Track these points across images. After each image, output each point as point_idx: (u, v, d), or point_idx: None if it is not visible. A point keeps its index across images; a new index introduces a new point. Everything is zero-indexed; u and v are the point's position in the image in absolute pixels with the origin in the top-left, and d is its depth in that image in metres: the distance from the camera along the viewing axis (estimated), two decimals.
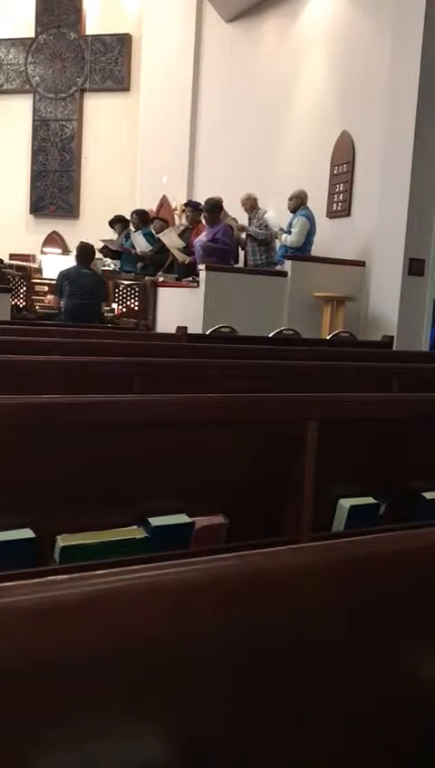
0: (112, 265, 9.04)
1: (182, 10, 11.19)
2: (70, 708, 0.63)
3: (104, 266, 8.85)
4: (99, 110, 12.90)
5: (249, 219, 7.99)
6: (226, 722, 0.73)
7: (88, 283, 6.89)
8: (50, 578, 0.62)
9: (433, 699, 0.87)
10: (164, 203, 11.20)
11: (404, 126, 6.50)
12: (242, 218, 8.19)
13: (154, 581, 0.65)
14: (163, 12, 11.61)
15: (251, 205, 7.89)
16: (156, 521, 1.60)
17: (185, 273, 7.83)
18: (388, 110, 6.78)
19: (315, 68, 8.60)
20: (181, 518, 1.65)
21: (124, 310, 7.87)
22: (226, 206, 7.98)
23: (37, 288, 8.25)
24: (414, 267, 6.60)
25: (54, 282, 7.26)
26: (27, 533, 1.49)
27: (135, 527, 1.60)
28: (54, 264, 8.64)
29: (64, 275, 6.92)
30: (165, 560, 0.71)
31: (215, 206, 7.52)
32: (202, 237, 7.60)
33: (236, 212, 8.14)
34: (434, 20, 6.33)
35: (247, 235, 7.93)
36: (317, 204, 7.70)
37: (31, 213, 13.28)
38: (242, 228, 8.00)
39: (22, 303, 7.90)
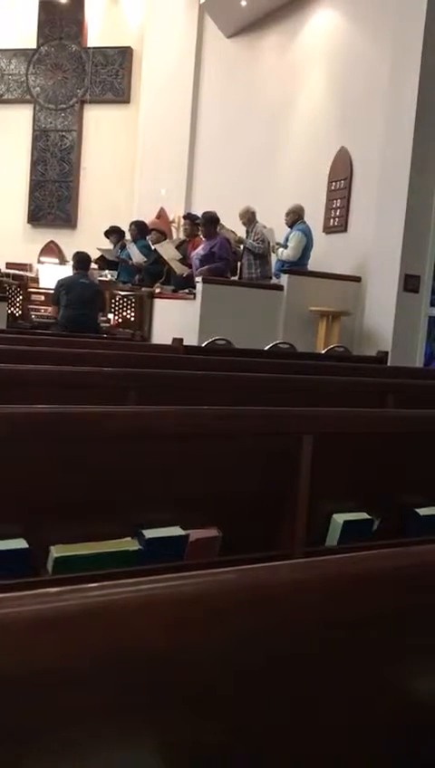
0: (109, 276, 9.06)
1: (183, 25, 11.29)
2: (66, 719, 0.63)
3: (101, 276, 8.86)
4: (98, 122, 12.97)
5: (247, 232, 8.03)
6: (221, 734, 0.72)
7: (85, 293, 6.89)
8: (48, 589, 0.62)
9: (427, 715, 0.87)
10: (162, 215, 11.24)
11: (402, 143, 6.56)
12: (239, 231, 8.23)
13: (151, 594, 0.65)
14: (164, 26, 11.71)
15: (249, 218, 7.93)
16: (150, 533, 1.60)
17: (182, 285, 7.85)
18: (386, 127, 6.84)
19: (314, 84, 8.68)
20: (175, 530, 1.64)
21: (120, 320, 7.87)
22: (223, 218, 8.03)
23: (34, 297, 8.24)
24: (410, 283, 6.64)
25: (52, 291, 7.26)
26: (21, 543, 1.48)
27: (129, 539, 1.60)
28: (51, 274, 8.64)
29: (62, 285, 6.92)
30: (160, 572, 0.71)
31: (211, 220, 7.56)
32: (199, 250, 7.63)
33: (233, 225, 8.18)
34: (433, 39, 6.41)
35: (244, 248, 7.97)
36: (314, 219, 7.74)
37: (29, 222, 13.30)
38: (240, 241, 8.03)
39: (18, 312, 7.89)
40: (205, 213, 7.75)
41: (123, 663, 0.64)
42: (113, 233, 9.56)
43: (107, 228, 9.64)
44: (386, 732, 0.85)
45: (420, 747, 0.87)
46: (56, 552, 1.51)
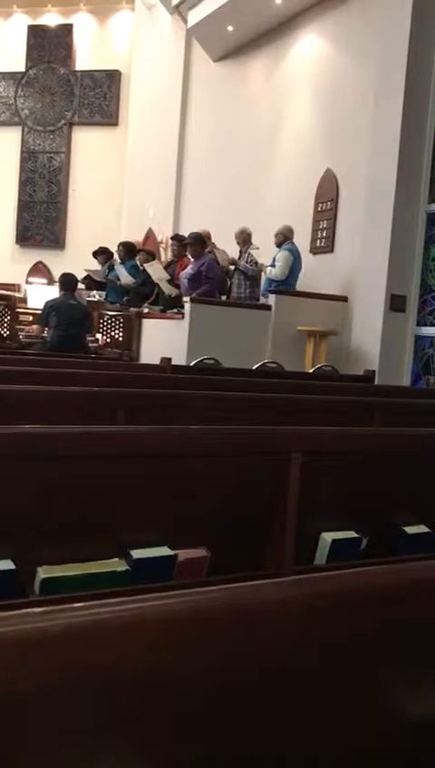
0: (97, 296, 9.08)
1: (171, 49, 11.43)
2: (54, 739, 0.62)
3: (89, 297, 8.87)
4: (87, 144, 13.08)
5: (240, 252, 8.07)
6: (209, 753, 0.72)
7: (74, 314, 6.92)
8: (34, 609, 0.62)
9: (413, 731, 0.87)
10: (150, 236, 11.30)
11: (387, 165, 6.64)
12: (230, 249, 8.25)
13: (138, 613, 0.65)
14: (152, 50, 11.85)
15: (244, 239, 7.98)
16: (138, 553, 1.59)
17: (170, 305, 7.88)
18: (371, 149, 6.93)
19: (301, 107, 8.79)
20: (163, 551, 1.64)
21: (108, 340, 7.88)
22: (212, 239, 8.08)
23: (21, 318, 8.24)
24: (396, 303, 6.69)
25: (40, 311, 7.27)
26: (7, 565, 1.47)
27: (117, 559, 1.59)
28: (39, 294, 8.67)
29: (52, 306, 6.93)
30: (147, 592, 0.71)
31: (198, 239, 7.61)
32: (188, 270, 7.66)
33: (222, 245, 8.22)
34: (417, 63, 6.52)
35: (236, 269, 8.01)
36: (301, 240, 7.81)
37: (17, 243, 13.34)
38: (233, 262, 8.07)
39: (5, 332, 7.89)
40: (192, 233, 7.82)
41: (110, 683, 0.64)
42: (101, 253, 9.61)
43: (95, 249, 9.69)
44: (374, 750, 0.84)
45: (412, 761, 0.86)
46: (43, 572, 1.49)
